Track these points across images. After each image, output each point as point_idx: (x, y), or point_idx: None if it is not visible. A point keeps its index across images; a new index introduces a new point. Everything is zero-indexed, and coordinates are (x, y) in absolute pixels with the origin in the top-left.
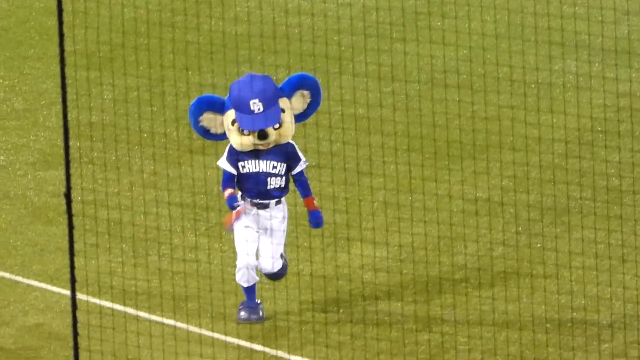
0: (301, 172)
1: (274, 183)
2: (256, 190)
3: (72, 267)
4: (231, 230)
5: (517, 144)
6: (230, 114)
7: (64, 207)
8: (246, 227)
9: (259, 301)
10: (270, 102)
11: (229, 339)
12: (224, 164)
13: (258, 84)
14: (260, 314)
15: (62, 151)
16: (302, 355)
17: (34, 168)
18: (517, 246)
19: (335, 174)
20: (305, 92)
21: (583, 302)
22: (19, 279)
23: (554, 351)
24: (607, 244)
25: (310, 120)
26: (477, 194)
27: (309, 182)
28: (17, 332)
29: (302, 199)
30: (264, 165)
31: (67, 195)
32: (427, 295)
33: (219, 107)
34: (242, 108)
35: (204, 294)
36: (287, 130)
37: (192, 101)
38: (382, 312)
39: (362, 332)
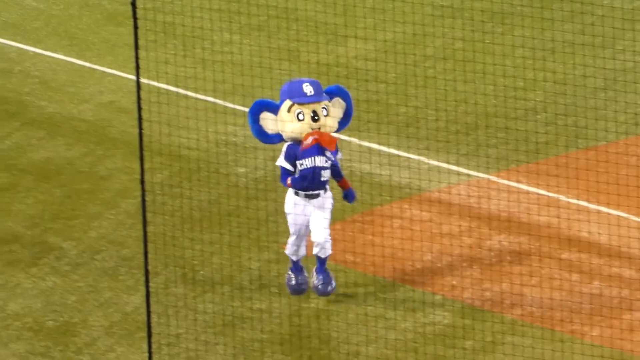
0: (336, 162)
1: (326, 175)
2: (311, 182)
3: (137, 58)
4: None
5: None
6: (285, 104)
7: (130, 12)
8: (301, 214)
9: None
10: (319, 89)
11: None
12: (282, 162)
13: (306, 78)
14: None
15: None
16: None
17: None
18: (473, 41)
19: None
20: (342, 102)
21: (522, 83)
22: (97, 67)
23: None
24: (540, 39)
25: None
26: (442, 2)
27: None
28: (94, 107)
29: (337, 182)
30: (319, 161)
31: (133, 4)
32: (405, 79)
33: (274, 108)
34: (297, 93)
35: (236, 77)
36: (332, 119)
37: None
38: (371, 91)
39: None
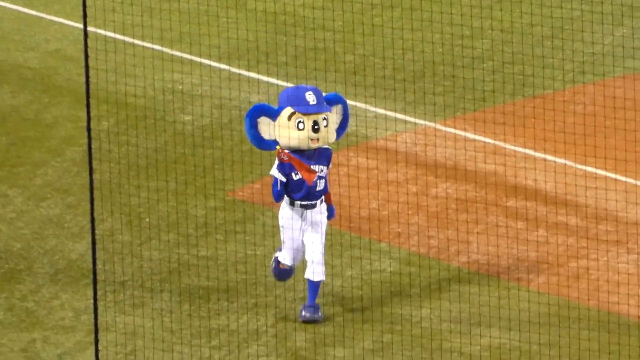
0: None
1: (321, 184)
2: (307, 193)
3: (84, 6)
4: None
5: None
6: (286, 111)
7: None
8: (297, 227)
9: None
10: (321, 99)
11: (203, 60)
12: (275, 172)
13: (308, 86)
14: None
15: None
16: None
17: None
18: None
19: None
20: (340, 109)
21: (468, 32)
22: (43, 15)
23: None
24: None
25: None
26: None
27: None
28: (41, 55)
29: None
30: (315, 170)
31: None
32: (352, 27)
33: (272, 114)
34: (299, 101)
35: (182, 25)
36: (331, 130)
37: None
38: (318, 39)
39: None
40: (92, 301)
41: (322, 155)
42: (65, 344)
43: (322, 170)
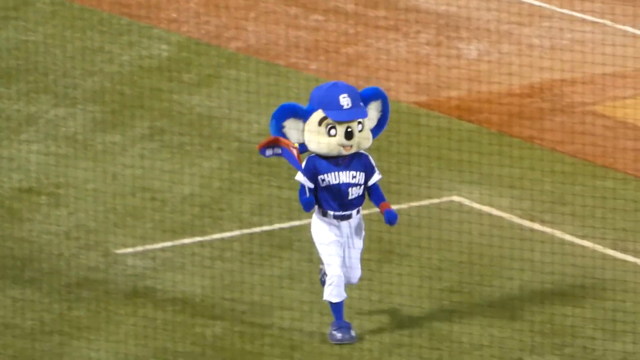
0: (376, 185)
1: (355, 193)
2: (339, 202)
3: None
4: (262, 154)
5: None
6: (317, 115)
7: None
8: (333, 241)
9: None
10: (356, 101)
11: None
12: (301, 177)
13: (343, 85)
14: (353, 334)
15: None
16: None
17: None
18: None
19: None
20: (379, 105)
21: None
22: None
23: None
24: None
25: None
26: None
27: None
28: None
29: (376, 207)
30: (344, 177)
31: None
32: None
33: (302, 114)
34: (332, 104)
35: None
36: (367, 134)
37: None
38: None
39: None
40: None
41: (354, 161)
42: None
43: (354, 177)
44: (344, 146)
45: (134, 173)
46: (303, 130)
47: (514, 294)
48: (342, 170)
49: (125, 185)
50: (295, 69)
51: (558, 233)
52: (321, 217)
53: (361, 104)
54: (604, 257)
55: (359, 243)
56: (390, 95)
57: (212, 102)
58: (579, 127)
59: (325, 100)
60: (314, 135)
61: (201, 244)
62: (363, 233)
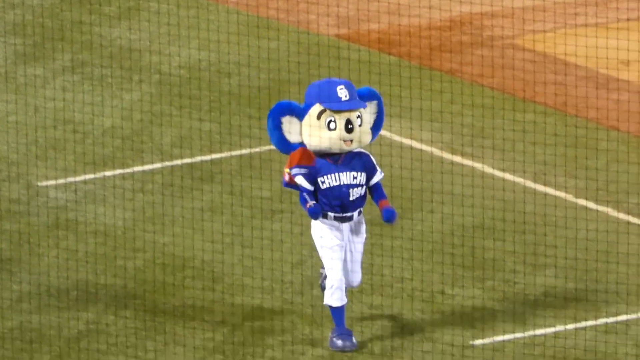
0: (378, 183)
1: (356, 194)
2: (339, 203)
3: None
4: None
5: None
6: (315, 109)
7: None
8: (336, 244)
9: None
10: (354, 93)
11: None
12: (300, 180)
13: (338, 79)
14: (354, 340)
15: None
16: None
17: None
18: None
19: None
20: (374, 107)
21: None
22: None
23: None
24: None
25: None
26: None
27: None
28: None
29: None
30: (344, 177)
31: None
32: None
33: (298, 112)
34: (330, 96)
35: None
36: (367, 129)
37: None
38: None
39: None
40: None
41: (354, 160)
42: None
43: (355, 178)
44: (344, 140)
45: (56, 105)
46: (301, 129)
47: (435, 227)
48: (342, 171)
49: (47, 118)
50: (216, 2)
51: (479, 166)
52: (322, 219)
53: (358, 98)
54: (525, 190)
55: (360, 246)
56: (311, 28)
57: (133, 34)
58: (500, 61)
59: (323, 93)
60: (315, 130)
61: (123, 177)
62: (365, 235)
